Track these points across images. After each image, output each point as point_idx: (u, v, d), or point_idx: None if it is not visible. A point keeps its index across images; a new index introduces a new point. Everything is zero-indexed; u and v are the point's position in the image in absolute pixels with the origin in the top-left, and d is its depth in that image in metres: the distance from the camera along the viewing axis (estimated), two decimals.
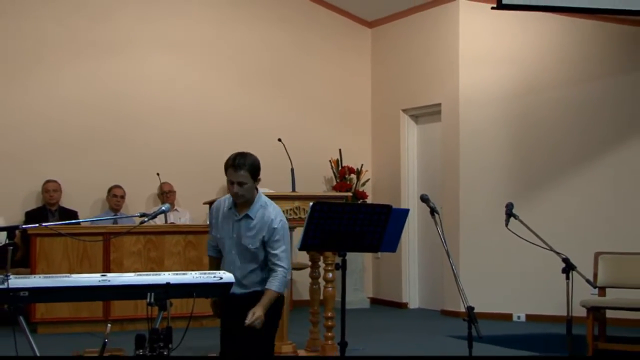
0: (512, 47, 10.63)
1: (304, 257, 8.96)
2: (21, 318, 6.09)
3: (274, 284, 5.61)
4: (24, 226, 6.94)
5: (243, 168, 5.61)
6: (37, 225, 8.54)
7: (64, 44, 10.98)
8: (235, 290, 5.65)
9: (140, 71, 11.24)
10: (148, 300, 5.27)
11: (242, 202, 5.71)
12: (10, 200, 10.65)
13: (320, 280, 7.92)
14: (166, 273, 5.77)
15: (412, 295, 11.66)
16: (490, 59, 10.67)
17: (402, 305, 11.44)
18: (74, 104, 10.92)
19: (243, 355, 5.64)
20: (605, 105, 10.16)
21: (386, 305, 11.74)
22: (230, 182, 5.65)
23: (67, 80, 10.97)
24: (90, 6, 11.10)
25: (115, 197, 10.75)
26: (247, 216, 5.73)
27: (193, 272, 5.24)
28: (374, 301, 11.94)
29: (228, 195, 5.82)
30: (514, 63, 10.59)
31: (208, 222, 6.15)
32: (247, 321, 5.43)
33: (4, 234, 8.24)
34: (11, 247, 5.73)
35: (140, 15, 11.32)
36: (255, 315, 5.46)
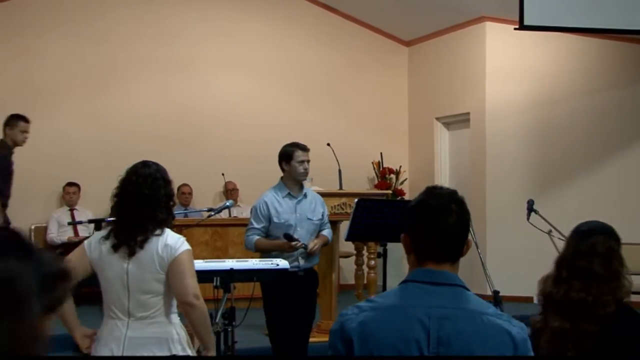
0: (532, 64, 10.54)
1: (349, 247, 8.96)
2: None
3: (328, 233, 6.04)
4: (109, 219, 7.01)
5: (308, 150, 5.96)
6: None
7: (140, 63, 11.07)
8: (301, 263, 5.76)
9: (205, 86, 11.30)
10: (214, 283, 5.31)
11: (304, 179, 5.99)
12: (97, 198, 10.75)
13: (364, 267, 7.91)
14: (230, 260, 5.81)
15: None
16: (513, 74, 10.59)
17: None
18: (149, 116, 11.00)
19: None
20: (613, 114, 10.08)
21: None
22: (301, 162, 5.80)
23: (146, 94, 11.06)
24: (159, 28, 11.18)
25: (183, 194, 10.82)
26: (305, 195, 5.89)
27: (254, 259, 5.28)
28: None
29: (270, 191, 5.96)
30: (534, 78, 10.51)
31: (255, 218, 6.08)
32: (310, 246, 5.71)
33: (92, 225, 8.31)
34: None
35: (205, 35, 11.38)
36: (317, 244, 5.73)
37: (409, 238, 2.50)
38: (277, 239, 5.91)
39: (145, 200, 3.84)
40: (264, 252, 5.94)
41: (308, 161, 5.99)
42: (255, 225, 5.98)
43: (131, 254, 3.80)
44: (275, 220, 5.95)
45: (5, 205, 7.50)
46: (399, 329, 2.28)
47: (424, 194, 2.51)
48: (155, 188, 3.86)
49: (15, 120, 8.10)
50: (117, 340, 3.82)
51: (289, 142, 6.15)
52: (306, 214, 5.99)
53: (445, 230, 2.49)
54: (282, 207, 5.98)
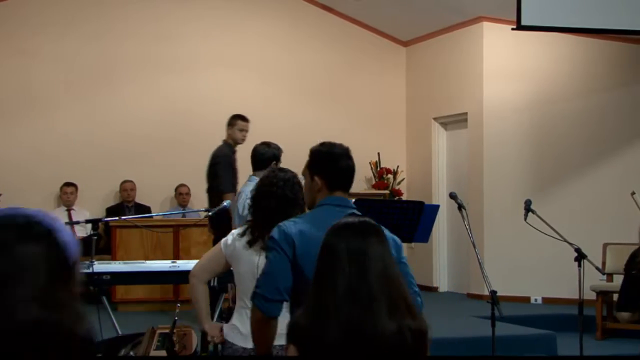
0: (529, 64, 10.56)
1: None
2: (104, 298, 6.19)
3: None
4: (106, 219, 7.02)
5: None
6: (117, 218, 8.68)
7: (141, 63, 11.09)
8: None
9: (204, 86, 11.30)
10: (212, 283, 5.31)
11: None
12: (93, 198, 10.79)
13: None
14: None
15: (442, 280, 11.62)
16: (511, 74, 10.61)
17: (432, 289, 11.40)
18: (147, 116, 11.01)
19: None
20: (612, 114, 10.08)
21: (419, 289, 11.70)
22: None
23: (141, 94, 11.08)
24: (156, 29, 11.18)
25: (181, 195, 10.83)
26: None
27: None
28: None
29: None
30: (531, 78, 10.52)
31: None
32: None
33: (89, 225, 8.32)
34: (95, 237, 5.82)
35: (203, 36, 11.39)
36: None
37: (321, 177, 3.52)
38: None
39: (288, 201, 4.15)
40: None
41: None
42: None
43: (264, 248, 3.95)
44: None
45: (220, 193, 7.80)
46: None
47: (327, 147, 3.60)
48: (295, 191, 4.19)
49: (235, 119, 8.49)
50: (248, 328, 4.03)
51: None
52: None
53: (350, 168, 3.55)
54: None
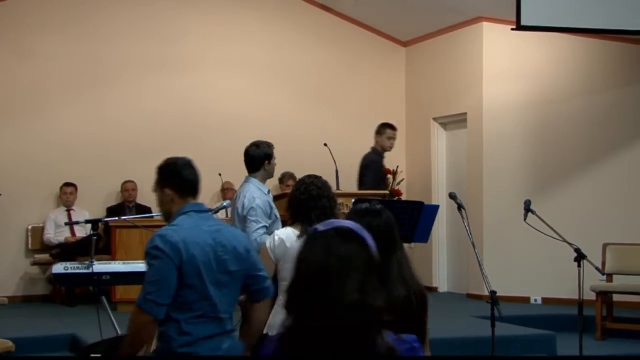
0: (529, 64, 10.56)
1: None
2: (103, 298, 6.19)
3: None
4: (106, 219, 7.00)
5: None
6: (117, 218, 8.68)
7: (141, 63, 11.10)
8: None
9: (202, 86, 11.31)
10: None
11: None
12: (94, 197, 10.79)
13: None
14: None
15: (442, 280, 11.62)
16: (510, 74, 10.61)
17: (432, 289, 11.40)
18: (147, 114, 11.03)
19: None
20: (611, 114, 10.08)
21: None
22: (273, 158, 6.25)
23: (141, 94, 11.09)
24: (156, 30, 11.20)
25: None
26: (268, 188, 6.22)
27: None
28: None
29: (254, 189, 6.07)
30: (531, 78, 10.53)
31: (261, 216, 6.10)
32: None
33: (89, 225, 8.32)
34: (95, 237, 5.82)
35: (202, 36, 11.40)
36: None
37: (171, 188, 3.96)
38: None
39: (322, 199, 4.63)
40: None
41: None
42: (263, 222, 6.01)
43: None
44: (277, 216, 6.04)
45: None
46: (202, 239, 3.76)
47: (171, 160, 4.09)
48: (328, 190, 4.70)
49: (384, 127, 9.05)
50: None
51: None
52: (275, 211, 6.16)
53: (195, 176, 4.01)
54: (271, 203, 6.13)
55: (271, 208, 6.08)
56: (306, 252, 2.39)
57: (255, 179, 6.22)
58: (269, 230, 5.98)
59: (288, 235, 4.62)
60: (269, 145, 6.30)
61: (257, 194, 6.07)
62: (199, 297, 3.74)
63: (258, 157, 6.25)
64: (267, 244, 4.60)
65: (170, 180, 3.99)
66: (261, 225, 5.99)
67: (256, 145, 6.34)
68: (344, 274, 2.28)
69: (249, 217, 6.01)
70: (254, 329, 4.11)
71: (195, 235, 3.74)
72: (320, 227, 2.40)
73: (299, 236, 4.46)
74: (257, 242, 5.97)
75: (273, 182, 7.59)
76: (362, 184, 8.83)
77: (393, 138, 9.16)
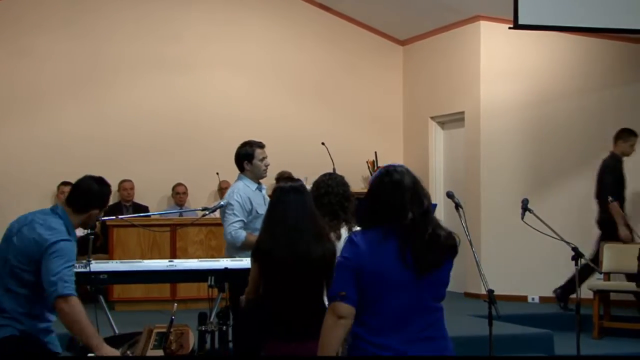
0: (527, 63, 10.56)
1: None
2: (101, 297, 6.18)
3: None
4: (103, 218, 6.98)
5: (264, 146, 6.36)
6: (114, 217, 8.67)
7: (138, 63, 11.10)
8: None
9: (201, 86, 11.31)
10: (209, 282, 5.31)
11: None
12: None
13: None
14: (225, 259, 5.81)
15: None
16: (508, 73, 10.61)
17: None
18: (145, 114, 11.02)
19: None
20: (609, 113, 10.09)
21: None
22: (262, 159, 6.03)
23: (139, 93, 11.09)
24: (155, 29, 11.20)
25: (178, 194, 10.83)
26: (262, 186, 6.15)
27: (248, 259, 5.27)
28: None
29: (240, 184, 6.07)
30: (529, 77, 10.53)
31: (238, 210, 6.13)
32: None
33: None
34: (92, 237, 5.81)
35: (202, 36, 11.39)
36: None
37: (98, 208, 4.52)
38: (255, 233, 6.02)
39: (344, 197, 5.06)
40: (250, 249, 5.98)
41: (266, 157, 6.33)
42: (240, 217, 6.02)
43: (338, 237, 4.89)
44: (260, 211, 6.03)
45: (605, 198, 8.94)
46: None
47: (87, 179, 4.51)
48: (346, 188, 5.12)
49: (628, 135, 9.10)
50: None
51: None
52: (259, 208, 6.17)
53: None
54: (257, 200, 6.10)
55: (252, 205, 6.10)
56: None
57: (244, 177, 6.29)
58: (250, 227, 6.01)
59: None
60: (251, 145, 6.31)
61: (243, 191, 6.12)
62: None
63: (236, 157, 6.33)
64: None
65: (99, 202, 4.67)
66: (237, 219, 6.02)
67: (241, 145, 6.40)
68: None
69: (226, 211, 6.10)
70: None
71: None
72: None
73: None
74: (232, 236, 6.00)
75: (270, 181, 7.55)
76: (601, 188, 9.08)
77: (634, 144, 9.23)
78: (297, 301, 4.25)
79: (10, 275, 4.24)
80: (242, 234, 6.02)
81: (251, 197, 6.13)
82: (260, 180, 6.41)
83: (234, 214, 6.05)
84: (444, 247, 3.57)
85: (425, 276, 3.39)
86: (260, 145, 6.34)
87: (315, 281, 4.24)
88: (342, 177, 5.18)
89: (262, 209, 6.04)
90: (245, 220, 6.06)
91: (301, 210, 4.38)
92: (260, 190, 6.28)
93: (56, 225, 4.27)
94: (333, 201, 4.95)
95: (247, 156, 6.28)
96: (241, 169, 6.31)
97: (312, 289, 4.25)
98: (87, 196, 4.48)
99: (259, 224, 5.97)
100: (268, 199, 6.26)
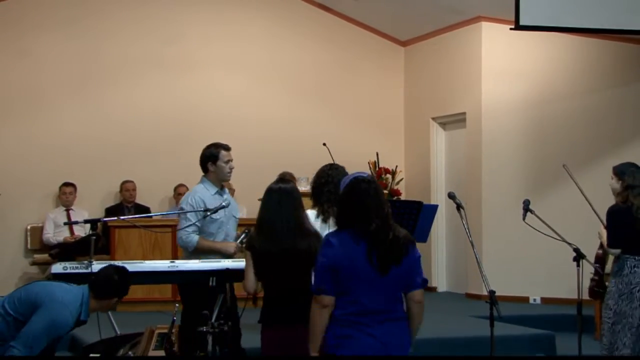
0: (528, 63, 10.56)
1: None
2: None
3: None
4: (105, 219, 6.98)
5: (230, 149, 6.29)
6: (116, 218, 8.67)
7: (139, 63, 11.09)
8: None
9: (201, 86, 11.30)
10: (210, 283, 5.30)
11: None
12: (93, 197, 10.78)
13: None
14: (226, 260, 5.80)
15: (440, 280, 11.62)
16: (509, 73, 10.61)
17: (431, 289, 11.39)
18: (146, 114, 11.02)
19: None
20: (610, 113, 10.09)
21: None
22: (227, 162, 6.01)
23: (140, 94, 11.08)
24: (156, 29, 11.19)
25: (180, 195, 10.79)
26: (224, 190, 6.08)
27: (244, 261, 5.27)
28: None
29: (199, 187, 6.05)
30: (530, 77, 10.52)
31: (191, 214, 6.11)
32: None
33: (88, 225, 8.32)
34: (94, 237, 5.80)
35: (202, 36, 11.39)
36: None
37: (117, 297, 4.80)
38: (210, 237, 6.03)
39: (334, 187, 5.12)
40: (203, 253, 5.94)
41: (232, 160, 6.25)
42: (193, 221, 5.99)
43: (325, 221, 5.21)
44: (214, 216, 5.99)
45: None
46: None
47: (110, 269, 4.68)
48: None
49: None
50: None
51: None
52: (232, 212, 6.11)
53: None
54: (214, 204, 6.03)
55: (212, 206, 6.02)
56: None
57: (205, 180, 6.23)
58: (205, 231, 5.98)
59: (309, 216, 5.06)
60: (217, 147, 6.25)
61: (199, 194, 6.09)
62: None
63: (201, 158, 6.28)
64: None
65: None
66: (189, 223, 5.98)
67: (207, 146, 6.35)
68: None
69: (181, 215, 6.08)
70: None
71: None
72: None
73: (316, 216, 5.11)
74: (183, 241, 5.98)
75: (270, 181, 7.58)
76: None
77: None
78: (287, 290, 4.58)
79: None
80: (194, 238, 5.99)
81: (207, 200, 6.04)
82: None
83: (187, 218, 6.03)
84: (403, 248, 4.10)
85: (388, 273, 4.01)
86: (226, 148, 6.26)
87: (303, 272, 4.56)
88: (343, 168, 5.32)
89: (221, 213, 6.01)
90: (199, 225, 6.01)
91: (289, 210, 4.72)
92: (221, 195, 6.19)
93: (68, 302, 4.71)
94: (332, 190, 5.09)
95: (211, 157, 6.21)
96: (205, 170, 6.23)
97: (301, 279, 4.56)
98: (107, 285, 4.91)
99: (214, 228, 5.98)
100: (233, 202, 6.26)
